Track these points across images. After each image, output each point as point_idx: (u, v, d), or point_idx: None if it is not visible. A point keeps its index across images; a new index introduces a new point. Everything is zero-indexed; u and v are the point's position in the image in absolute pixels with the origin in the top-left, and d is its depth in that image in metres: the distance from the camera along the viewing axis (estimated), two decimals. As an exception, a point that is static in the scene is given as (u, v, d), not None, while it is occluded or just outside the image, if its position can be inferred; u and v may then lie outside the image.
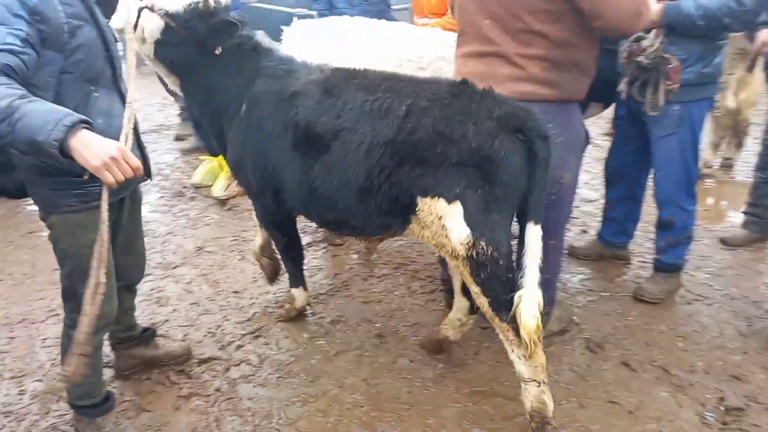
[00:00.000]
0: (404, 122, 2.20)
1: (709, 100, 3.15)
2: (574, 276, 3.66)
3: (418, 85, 2.34)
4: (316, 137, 2.36)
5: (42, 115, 1.60)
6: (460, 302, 2.70)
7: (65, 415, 2.46)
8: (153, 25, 2.49)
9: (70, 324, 2.16)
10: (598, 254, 3.84)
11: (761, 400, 2.56)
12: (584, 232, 4.30)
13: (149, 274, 3.64)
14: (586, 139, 3.37)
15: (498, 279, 2.16)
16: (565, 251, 3.89)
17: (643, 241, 4.05)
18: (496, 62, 2.59)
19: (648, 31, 2.95)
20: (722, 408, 2.51)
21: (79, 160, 1.63)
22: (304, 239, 4.10)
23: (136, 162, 1.72)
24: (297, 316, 3.16)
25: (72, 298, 2.13)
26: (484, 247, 2.13)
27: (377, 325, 3.13)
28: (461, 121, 2.16)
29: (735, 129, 5.08)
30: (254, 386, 2.66)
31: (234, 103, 2.64)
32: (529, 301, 2.04)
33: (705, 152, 4.96)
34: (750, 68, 4.29)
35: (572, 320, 3.13)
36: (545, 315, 2.23)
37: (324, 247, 4.01)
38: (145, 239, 3.97)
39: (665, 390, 2.65)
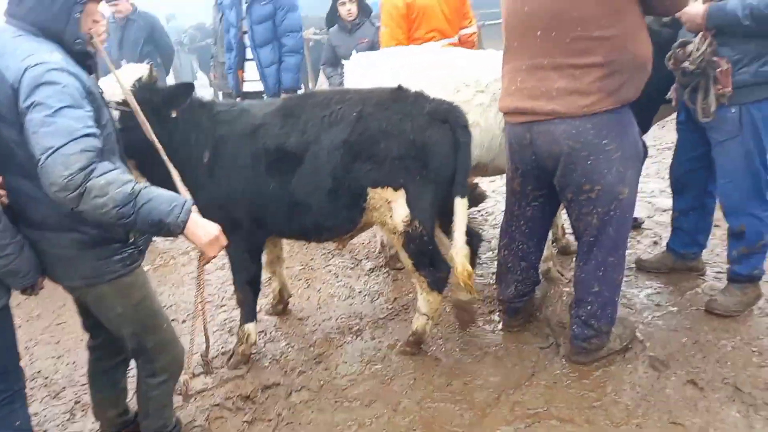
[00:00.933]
0: (356, 125, 2.69)
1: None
2: (641, 291, 3.51)
3: (364, 94, 2.83)
4: (289, 156, 2.76)
5: (166, 199, 1.89)
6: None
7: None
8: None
9: (146, 374, 2.37)
10: (668, 267, 3.66)
11: None
12: (655, 243, 4.12)
13: (224, 306, 3.90)
14: (644, 151, 3.26)
15: (423, 249, 2.82)
16: (633, 265, 3.75)
17: (721, 251, 3.82)
18: (548, 76, 2.54)
19: (695, 34, 2.85)
20: (801, 429, 2.33)
21: (190, 237, 1.96)
22: (366, 265, 4.24)
23: (225, 240, 2.06)
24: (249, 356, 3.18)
25: (143, 352, 2.31)
26: (417, 226, 2.73)
27: (433, 347, 3.16)
28: (401, 119, 2.69)
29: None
30: (312, 411, 2.77)
31: (195, 155, 2.78)
32: (458, 256, 2.69)
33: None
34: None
35: (635, 337, 3.01)
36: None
37: (385, 272, 4.10)
38: (221, 272, 4.37)
39: (736, 410, 2.49)
